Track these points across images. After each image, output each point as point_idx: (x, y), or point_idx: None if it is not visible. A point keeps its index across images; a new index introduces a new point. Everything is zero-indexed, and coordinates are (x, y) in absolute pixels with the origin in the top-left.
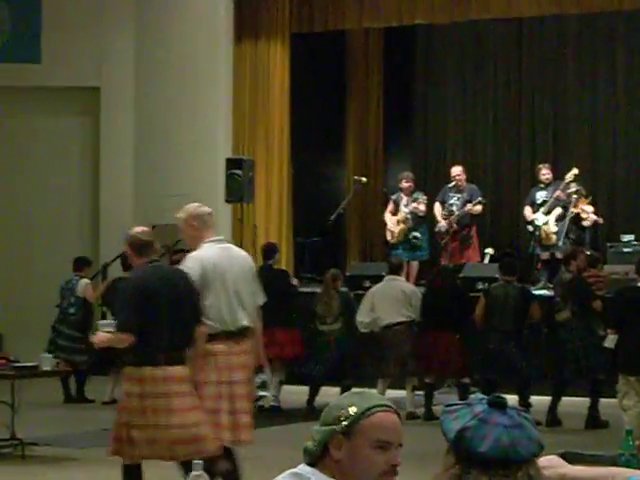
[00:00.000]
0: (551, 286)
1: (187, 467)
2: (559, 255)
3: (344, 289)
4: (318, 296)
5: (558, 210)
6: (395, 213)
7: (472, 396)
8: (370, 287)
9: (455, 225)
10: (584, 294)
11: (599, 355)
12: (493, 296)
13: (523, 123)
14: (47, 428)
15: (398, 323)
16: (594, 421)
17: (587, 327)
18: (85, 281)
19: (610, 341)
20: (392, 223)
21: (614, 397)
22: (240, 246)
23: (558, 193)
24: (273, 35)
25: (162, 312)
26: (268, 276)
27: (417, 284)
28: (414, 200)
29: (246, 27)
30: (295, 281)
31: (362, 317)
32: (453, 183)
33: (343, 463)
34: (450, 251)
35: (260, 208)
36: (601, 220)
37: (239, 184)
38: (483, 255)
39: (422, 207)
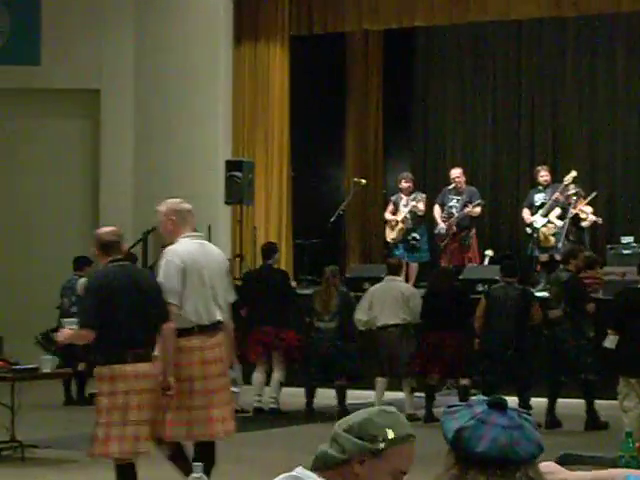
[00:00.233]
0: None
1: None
2: (558, 257)
3: (344, 288)
4: (317, 292)
5: (557, 212)
6: (395, 213)
7: (473, 397)
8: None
9: (454, 227)
10: (578, 295)
11: (589, 356)
12: (493, 298)
13: (522, 125)
14: (47, 430)
15: (394, 325)
16: (594, 423)
17: (578, 328)
18: (85, 279)
19: (610, 342)
20: (391, 223)
21: (614, 399)
22: (240, 248)
23: (557, 195)
24: (272, 37)
25: (126, 310)
26: (268, 276)
27: (416, 285)
28: (413, 199)
29: (246, 29)
30: (294, 284)
31: (360, 315)
32: (452, 185)
33: (360, 478)
34: (450, 253)
35: (260, 210)
36: (600, 220)
37: (239, 186)
38: (483, 257)
39: (421, 206)
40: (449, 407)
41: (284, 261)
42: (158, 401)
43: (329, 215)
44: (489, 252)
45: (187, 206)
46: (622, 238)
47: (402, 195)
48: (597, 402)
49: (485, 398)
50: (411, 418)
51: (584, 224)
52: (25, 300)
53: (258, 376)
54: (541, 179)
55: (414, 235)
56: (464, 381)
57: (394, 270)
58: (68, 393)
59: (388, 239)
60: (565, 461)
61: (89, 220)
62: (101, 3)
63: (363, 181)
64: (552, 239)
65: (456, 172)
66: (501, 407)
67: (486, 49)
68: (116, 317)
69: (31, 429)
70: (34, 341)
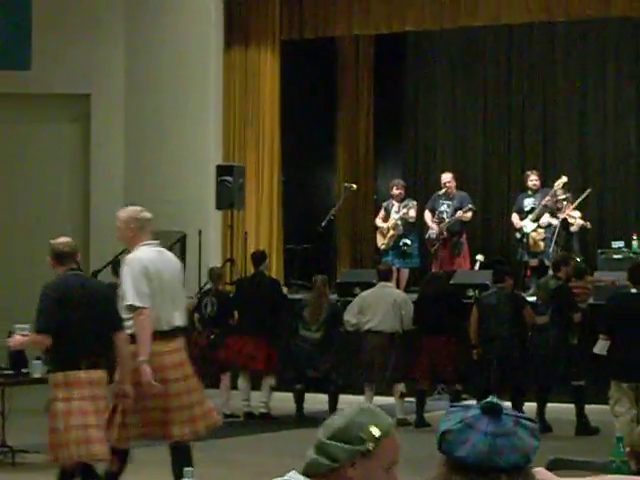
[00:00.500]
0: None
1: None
2: (547, 263)
3: (332, 298)
4: (307, 301)
5: (546, 217)
6: (386, 220)
7: (473, 401)
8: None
9: (445, 232)
10: (566, 304)
11: (577, 362)
12: (485, 305)
13: (513, 130)
14: (38, 435)
15: (379, 332)
16: (584, 427)
17: (562, 335)
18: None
19: (600, 347)
20: (382, 229)
21: (605, 404)
22: (231, 253)
23: (547, 200)
24: (263, 41)
25: (81, 318)
26: (260, 283)
27: (407, 291)
28: (405, 206)
29: (236, 33)
30: (285, 289)
31: (349, 317)
32: (443, 190)
33: None
34: (440, 258)
35: (250, 215)
36: (589, 225)
37: (229, 191)
38: (473, 262)
39: (412, 213)
40: (450, 407)
41: (275, 266)
42: (104, 408)
43: (320, 220)
44: (480, 257)
45: (148, 215)
46: (613, 243)
47: (393, 202)
48: (587, 407)
49: (490, 401)
50: (402, 423)
51: (572, 229)
52: (13, 308)
53: (242, 381)
54: (530, 184)
55: (405, 241)
56: (456, 386)
57: (385, 276)
58: None
59: (379, 245)
60: (555, 466)
61: (80, 224)
62: (92, 8)
63: (354, 186)
64: (542, 244)
65: (447, 177)
66: (493, 412)
67: (476, 54)
68: (71, 324)
69: (21, 434)
70: None
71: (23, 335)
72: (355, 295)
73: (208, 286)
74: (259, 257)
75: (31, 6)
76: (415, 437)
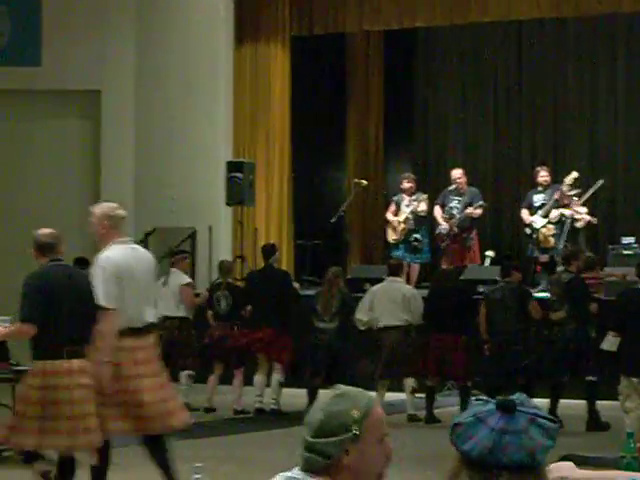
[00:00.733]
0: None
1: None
2: (557, 258)
3: (345, 290)
4: (318, 293)
5: (555, 212)
6: (396, 214)
7: (500, 398)
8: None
9: (455, 228)
10: (581, 296)
11: (592, 357)
12: (492, 300)
13: (523, 126)
14: None
15: (395, 326)
16: (595, 423)
17: (581, 329)
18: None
19: (611, 344)
20: (393, 223)
21: (616, 399)
22: (241, 249)
23: (557, 195)
24: (273, 38)
25: (63, 308)
26: (270, 276)
27: (418, 286)
28: (415, 200)
29: (246, 30)
30: (297, 285)
31: (361, 315)
32: (454, 186)
33: (353, 466)
34: (450, 254)
35: (261, 211)
36: (595, 220)
37: (240, 187)
38: (483, 258)
39: (423, 206)
40: (475, 399)
41: (285, 262)
42: (88, 397)
43: (330, 216)
44: (490, 253)
45: (122, 213)
46: (623, 239)
47: (404, 195)
48: (598, 403)
49: (505, 398)
50: (412, 419)
51: (578, 225)
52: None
53: (259, 377)
54: (541, 179)
55: (416, 236)
56: (466, 382)
57: (395, 271)
58: None
59: (389, 240)
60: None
61: (89, 221)
62: (102, 4)
63: (364, 182)
64: (552, 240)
65: (457, 173)
66: (506, 409)
67: (487, 50)
68: (54, 314)
69: None
70: None
71: (3, 327)
72: (365, 290)
73: (218, 280)
74: (269, 250)
75: (41, 3)
76: (425, 433)
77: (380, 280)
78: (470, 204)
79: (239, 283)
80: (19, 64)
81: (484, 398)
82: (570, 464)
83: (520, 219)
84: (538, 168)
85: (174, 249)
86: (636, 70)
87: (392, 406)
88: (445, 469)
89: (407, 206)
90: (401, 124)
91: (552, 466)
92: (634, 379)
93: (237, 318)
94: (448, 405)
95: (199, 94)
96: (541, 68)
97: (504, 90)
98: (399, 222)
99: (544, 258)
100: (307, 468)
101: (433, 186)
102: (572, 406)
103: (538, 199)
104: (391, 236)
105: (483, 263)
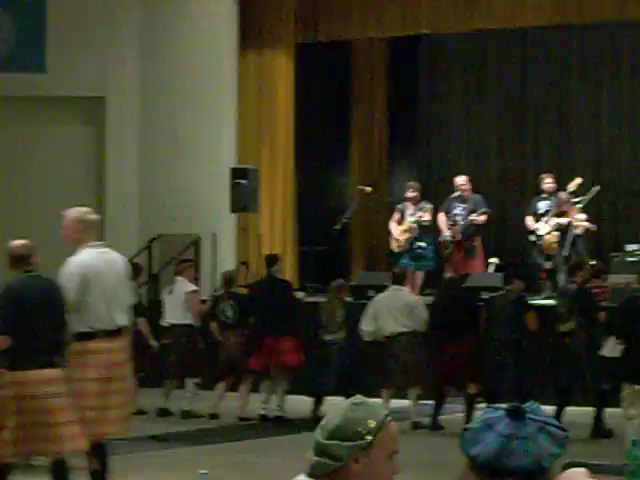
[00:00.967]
0: (554, 295)
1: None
2: (554, 265)
3: (349, 299)
4: (322, 305)
5: (553, 221)
6: (401, 222)
7: (510, 404)
8: (374, 297)
9: (459, 235)
10: (589, 305)
11: (603, 365)
12: (491, 306)
13: (527, 133)
14: None
15: (400, 333)
16: (599, 431)
17: (592, 338)
18: None
19: (612, 350)
20: (397, 232)
21: (619, 406)
22: (245, 256)
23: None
24: (278, 45)
25: (34, 318)
26: (271, 285)
27: (422, 294)
28: (420, 209)
29: (251, 37)
30: (302, 294)
31: (365, 326)
32: (458, 193)
33: (360, 476)
34: (454, 261)
35: (265, 217)
36: (594, 227)
37: (244, 193)
38: (488, 265)
39: (427, 216)
40: (487, 407)
41: (289, 269)
42: (61, 405)
43: (334, 223)
44: (494, 260)
45: (94, 217)
46: (626, 246)
47: (408, 204)
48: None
49: (516, 405)
50: (416, 426)
51: (577, 231)
52: None
53: (266, 384)
54: (546, 186)
55: (420, 244)
56: (470, 390)
57: (399, 280)
58: None
59: (393, 248)
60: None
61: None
62: (106, 11)
63: (368, 189)
64: (556, 247)
65: (461, 180)
66: (515, 415)
67: (491, 57)
68: (25, 325)
69: None
70: None
71: None
72: (369, 298)
73: (221, 292)
74: (271, 260)
75: (46, 9)
76: (429, 441)
77: (384, 287)
78: (474, 211)
79: (243, 290)
80: (24, 70)
81: (497, 406)
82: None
83: (524, 226)
84: (543, 175)
85: (178, 256)
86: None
87: (396, 413)
88: (449, 476)
89: (411, 215)
90: (405, 131)
91: (564, 474)
92: (637, 386)
93: (246, 326)
94: (452, 412)
95: (203, 101)
96: (545, 75)
97: (508, 97)
98: (403, 231)
99: (548, 265)
100: (314, 473)
101: (437, 193)
102: (576, 413)
103: (543, 206)
104: (395, 244)
105: (487, 270)
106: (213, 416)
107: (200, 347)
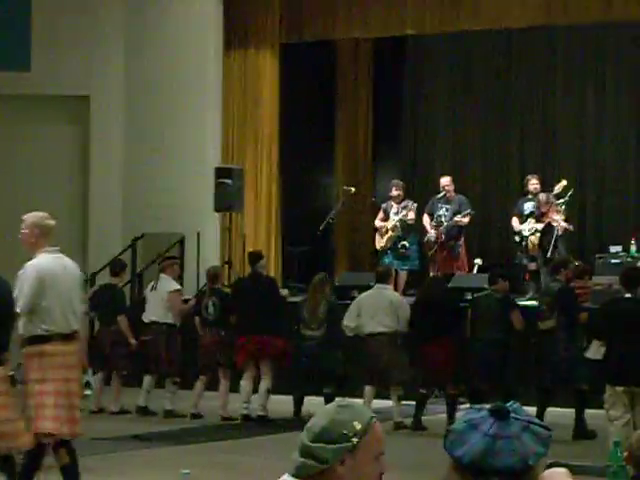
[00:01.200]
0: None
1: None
2: (537, 266)
3: (332, 296)
4: (304, 301)
5: (531, 222)
6: (385, 221)
7: (493, 404)
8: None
9: (443, 236)
10: (571, 305)
11: (582, 366)
12: (476, 306)
13: (512, 134)
14: None
15: (381, 333)
16: (581, 432)
17: (571, 338)
18: None
19: (594, 351)
20: (381, 230)
21: (601, 408)
22: (229, 255)
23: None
24: (262, 45)
25: None
26: (256, 283)
27: (405, 294)
28: (404, 208)
29: (236, 36)
30: (285, 292)
31: (348, 321)
32: (442, 194)
33: (345, 478)
34: (438, 262)
35: (249, 217)
36: (572, 228)
37: (228, 193)
38: (471, 266)
39: (412, 215)
40: (469, 408)
41: (273, 268)
42: (4, 402)
43: (318, 223)
44: (478, 261)
45: (51, 222)
46: (610, 247)
47: (392, 203)
48: (585, 411)
49: (499, 405)
50: (399, 426)
51: (556, 233)
52: None
53: (245, 384)
54: (531, 187)
55: (404, 243)
56: (452, 390)
57: (383, 278)
58: None
59: (377, 247)
60: None
61: (78, 227)
62: (91, 10)
63: (352, 189)
64: (537, 248)
65: (445, 180)
66: (500, 415)
67: (476, 58)
68: None
69: None
70: None
71: None
72: (353, 298)
73: (205, 287)
74: (254, 257)
75: (31, 8)
76: (412, 441)
77: (368, 287)
78: (458, 212)
79: (227, 289)
80: (8, 69)
81: (480, 406)
82: (564, 470)
83: (508, 227)
84: (529, 176)
85: (162, 255)
86: (624, 78)
87: (378, 413)
88: (432, 477)
89: (395, 214)
90: (390, 131)
91: (545, 473)
92: (618, 388)
93: (225, 325)
94: (435, 413)
95: (188, 100)
96: (530, 76)
97: (493, 97)
98: (387, 229)
99: (533, 266)
100: (298, 474)
101: (422, 193)
102: (558, 414)
103: (528, 207)
104: (379, 243)
105: (471, 271)
106: (195, 416)
107: (179, 347)
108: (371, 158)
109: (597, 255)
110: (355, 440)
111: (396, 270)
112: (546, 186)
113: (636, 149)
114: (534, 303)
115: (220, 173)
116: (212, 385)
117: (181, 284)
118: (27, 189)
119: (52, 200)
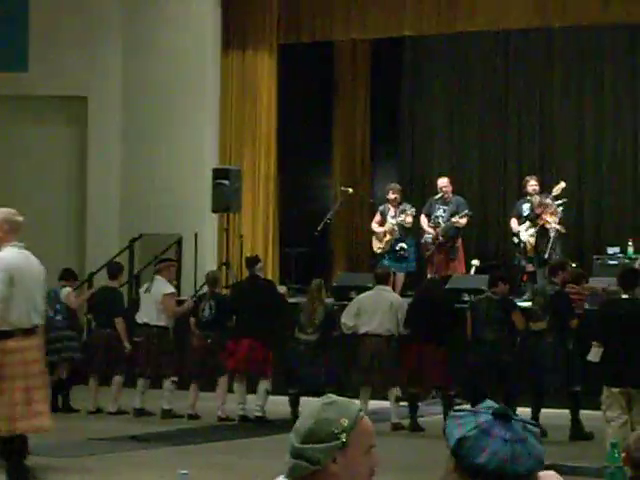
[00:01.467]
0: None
1: None
2: (534, 267)
3: (329, 300)
4: (302, 305)
5: (526, 224)
6: (382, 224)
7: (482, 404)
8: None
9: (441, 237)
10: (564, 310)
11: (571, 368)
12: (476, 309)
13: (510, 135)
14: (33, 438)
15: (376, 335)
16: (578, 433)
17: (560, 341)
18: (68, 289)
19: (594, 355)
20: (379, 234)
21: (598, 409)
22: (226, 256)
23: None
24: (261, 46)
25: None
26: (254, 286)
27: (403, 295)
28: (402, 212)
29: (234, 37)
30: (283, 289)
31: (346, 320)
32: (440, 195)
33: (339, 475)
34: (436, 263)
35: (247, 218)
36: (564, 230)
37: (226, 194)
38: (469, 267)
39: (409, 219)
40: (455, 411)
41: (271, 269)
42: None
43: (316, 224)
44: (475, 262)
45: (20, 219)
46: (608, 249)
47: (390, 206)
48: (581, 412)
49: (492, 406)
50: (396, 427)
51: (550, 234)
52: None
53: (238, 385)
54: (530, 189)
55: (402, 245)
56: (449, 391)
57: (382, 280)
58: (54, 401)
59: (375, 249)
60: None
61: (76, 228)
62: (89, 11)
63: (350, 190)
64: (532, 250)
65: (443, 181)
66: (505, 418)
67: (474, 59)
68: None
69: None
70: None
71: None
72: (351, 299)
73: (204, 290)
74: (251, 260)
75: (29, 9)
76: (409, 442)
77: (366, 288)
78: (456, 213)
79: (225, 292)
80: (6, 69)
81: (468, 409)
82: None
83: (506, 228)
84: (528, 177)
85: (159, 256)
86: (622, 80)
87: (376, 414)
88: (429, 478)
89: (392, 217)
90: (388, 132)
91: (541, 474)
92: (615, 389)
93: (221, 328)
94: (432, 414)
95: (186, 101)
96: (528, 77)
97: (491, 99)
98: (384, 232)
99: (530, 267)
100: (292, 475)
101: (419, 194)
102: (555, 415)
103: (526, 208)
104: (376, 246)
105: (469, 272)
106: (192, 417)
107: (172, 347)
108: (369, 159)
109: (595, 256)
110: (344, 437)
111: (394, 272)
112: (543, 187)
113: (634, 150)
114: (531, 304)
115: (218, 174)
116: (209, 386)
117: (178, 284)
118: (25, 190)
119: (50, 200)
